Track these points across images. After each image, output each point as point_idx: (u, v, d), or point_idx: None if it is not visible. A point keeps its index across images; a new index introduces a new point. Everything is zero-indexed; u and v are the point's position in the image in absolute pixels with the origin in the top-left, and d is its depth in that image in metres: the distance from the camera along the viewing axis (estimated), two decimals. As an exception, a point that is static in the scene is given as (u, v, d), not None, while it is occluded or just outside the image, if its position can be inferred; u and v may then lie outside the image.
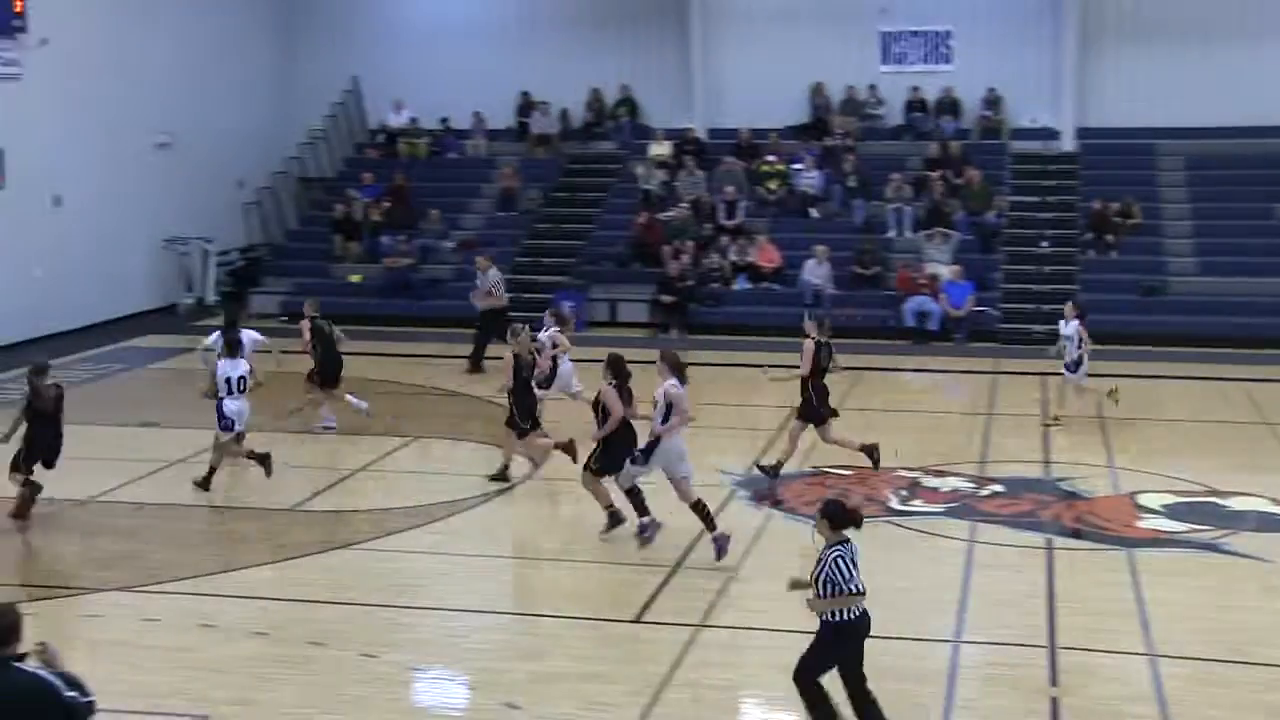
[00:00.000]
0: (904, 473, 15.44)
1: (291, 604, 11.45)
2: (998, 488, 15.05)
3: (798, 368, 14.92)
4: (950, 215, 26.00)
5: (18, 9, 22.63)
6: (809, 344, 14.86)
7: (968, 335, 23.87)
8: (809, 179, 27.36)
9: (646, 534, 12.66)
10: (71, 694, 6.38)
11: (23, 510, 13.47)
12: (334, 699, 9.64)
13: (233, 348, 15.06)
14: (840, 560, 8.71)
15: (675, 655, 10.38)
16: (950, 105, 28.58)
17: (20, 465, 13.53)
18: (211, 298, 27.00)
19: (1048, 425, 17.58)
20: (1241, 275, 24.45)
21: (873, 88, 29.01)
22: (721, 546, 12.35)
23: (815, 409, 14.95)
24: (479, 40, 30.23)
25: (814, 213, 27.15)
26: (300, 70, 30.92)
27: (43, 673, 6.73)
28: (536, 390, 15.49)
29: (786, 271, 25.38)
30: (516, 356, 14.90)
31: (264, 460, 14.72)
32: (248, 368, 14.94)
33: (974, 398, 20.74)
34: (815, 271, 24.73)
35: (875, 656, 9.10)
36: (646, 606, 11.42)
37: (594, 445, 12.95)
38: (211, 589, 11.79)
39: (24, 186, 22.62)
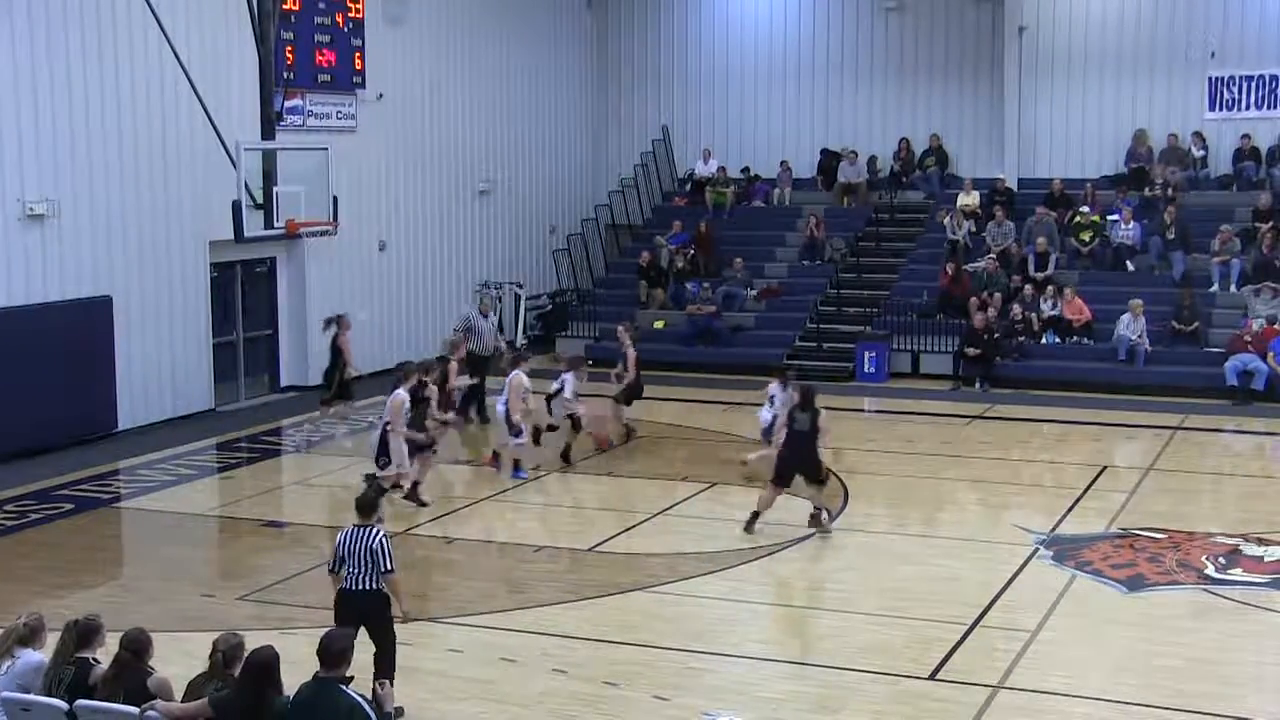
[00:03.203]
0: (1223, 539, 14.65)
1: (587, 643, 11.67)
2: (1329, 560, 14.10)
3: None
4: None
5: (358, 66, 24.06)
6: None
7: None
8: (1125, 231, 26.39)
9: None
10: None
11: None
12: (626, 738, 9.76)
13: None
14: None
15: (971, 716, 10.12)
16: (1282, 153, 27.13)
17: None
18: (520, 340, 27.94)
19: None
20: None
21: (1198, 135, 27.82)
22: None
23: None
24: (787, 89, 30.47)
25: (1130, 265, 26.16)
26: (613, 120, 31.85)
27: (362, 699, 7.31)
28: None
29: (1096, 325, 24.51)
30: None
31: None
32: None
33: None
34: (1130, 326, 23.80)
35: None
36: (943, 664, 11.18)
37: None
38: (512, 624, 12.14)
39: (353, 232, 23.94)
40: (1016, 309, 24.94)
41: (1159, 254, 25.99)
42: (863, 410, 23.06)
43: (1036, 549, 14.29)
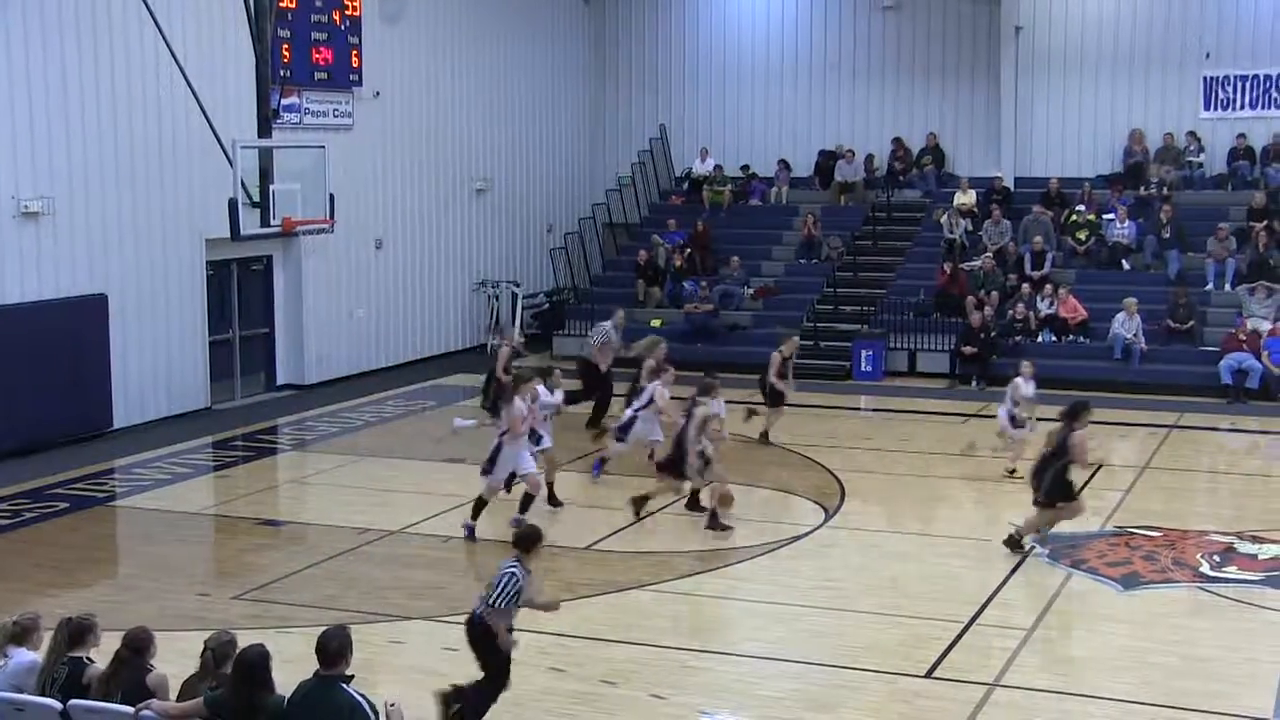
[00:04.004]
0: (1218, 537, 14.67)
1: (584, 641, 11.67)
2: (1321, 557, 14.12)
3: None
4: (1276, 268, 24.66)
5: (355, 64, 24.04)
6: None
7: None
8: (1121, 230, 26.42)
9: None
10: None
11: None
12: (622, 737, 9.77)
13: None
14: None
15: (967, 714, 10.13)
16: (1278, 152, 27.14)
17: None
18: (518, 339, 27.93)
19: None
20: None
21: (1192, 135, 27.85)
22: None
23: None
24: (784, 88, 30.49)
25: (1126, 264, 26.19)
26: (610, 118, 31.85)
27: (362, 699, 7.33)
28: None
29: (1092, 324, 24.53)
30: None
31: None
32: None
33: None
34: (1125, 324, 23.82)
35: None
36: (939, 662, 11.19)
37: None
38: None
39: (350, 231, 23.91)
40: (1020, 308, 24.94)
41: (1154, 253, 26.02)
42: (859, 409, 23.09)
43: (1032, 547, 14.29)
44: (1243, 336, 23.20)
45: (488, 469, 14.84)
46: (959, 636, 11.75)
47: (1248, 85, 27.77)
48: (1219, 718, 10.07)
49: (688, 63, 31.26)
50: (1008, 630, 11.93)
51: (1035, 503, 14.11)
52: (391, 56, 25.26)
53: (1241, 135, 27.45)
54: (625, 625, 12.16)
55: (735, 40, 30.85)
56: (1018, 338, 24.63)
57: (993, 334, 24.30)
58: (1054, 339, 24.67)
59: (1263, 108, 27.59)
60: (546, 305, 29.43)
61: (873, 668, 11.11)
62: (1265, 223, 25.35)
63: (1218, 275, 25.19)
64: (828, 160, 30.08)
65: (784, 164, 30.28)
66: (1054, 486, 13.92)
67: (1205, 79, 27.86)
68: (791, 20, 30.48)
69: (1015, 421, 17.52)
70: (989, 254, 26.25)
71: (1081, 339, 24.59)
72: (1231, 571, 13.59)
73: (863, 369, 25.01)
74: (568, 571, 13.74)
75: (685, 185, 31.04)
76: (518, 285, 28.55)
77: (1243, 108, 27.80)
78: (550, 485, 15.89)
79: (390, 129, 25.38)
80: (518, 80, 29.15)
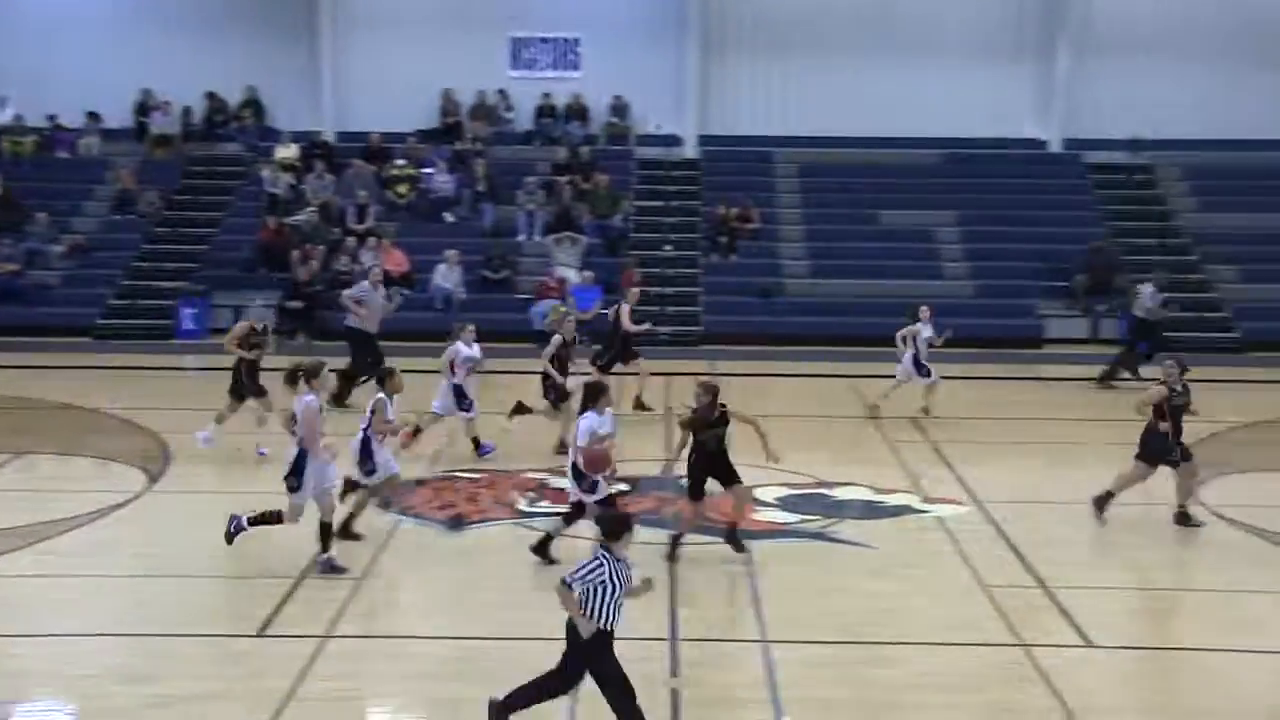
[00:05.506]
0: (531, 474, 15.59)
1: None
2: (623, 486, 15.37)
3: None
4: (578, 220, 26.48)
5: None
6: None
7: (595, 337, 24.22)
8: (440, 183, 27.31)
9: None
10: None
11: None
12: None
13: None
14: None
15: (300, 668, 10.14)
16: (579, 111, 29.10)
17: None
18: None
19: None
20: (848, 278, 25.85)
21: (503, 93, 29.23)
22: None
23: None
24: (95, 35, 28.87)
25: (447, 217, 27.13)
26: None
27: None
28: None
29: (417, 276, 25.25)
30: None
31: None
32: None
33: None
34: (446, 276, 24.69)
35: (498, 660, 9.12)
36: (270, 620, 11.12)
37: None
38: None
39: None
40: (345, 261, 25.11)
41: (471, 205, 27.13)
42: (183, 369, 22.42)
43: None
44: (553, 284, 24.74)
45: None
46: (290, 592, 11.73)
47: (550, 48, 29.50)
48: (531, 643, 10.71)
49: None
50: (338, 581, 12.05)
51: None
52: None
53: (546, 94, 29.15)
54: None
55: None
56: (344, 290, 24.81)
57: (318, 288, 24.37)
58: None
59: (563, 69, 29.44)
60: None
61: (203, 632, 10.86)
62: (569, 177, 27.14)
63: (529, 226, 26.68)
64: (141, 112, 28.82)
65: (94, 115, 28.65)
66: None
67: (512, 40, 29.30)
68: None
69: (921, 368, 18.62)
70: (313, 208, 26.28)
71: (405, 291, 25.18)
72: (545, 506, 14.49)
73: (185, 328, 24.30)
74: None
75: (-18, 135, 28.64)
76: None
77: (545, 69, 29.52)
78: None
79: None
80: None
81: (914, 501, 14.95)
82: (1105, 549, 13.60)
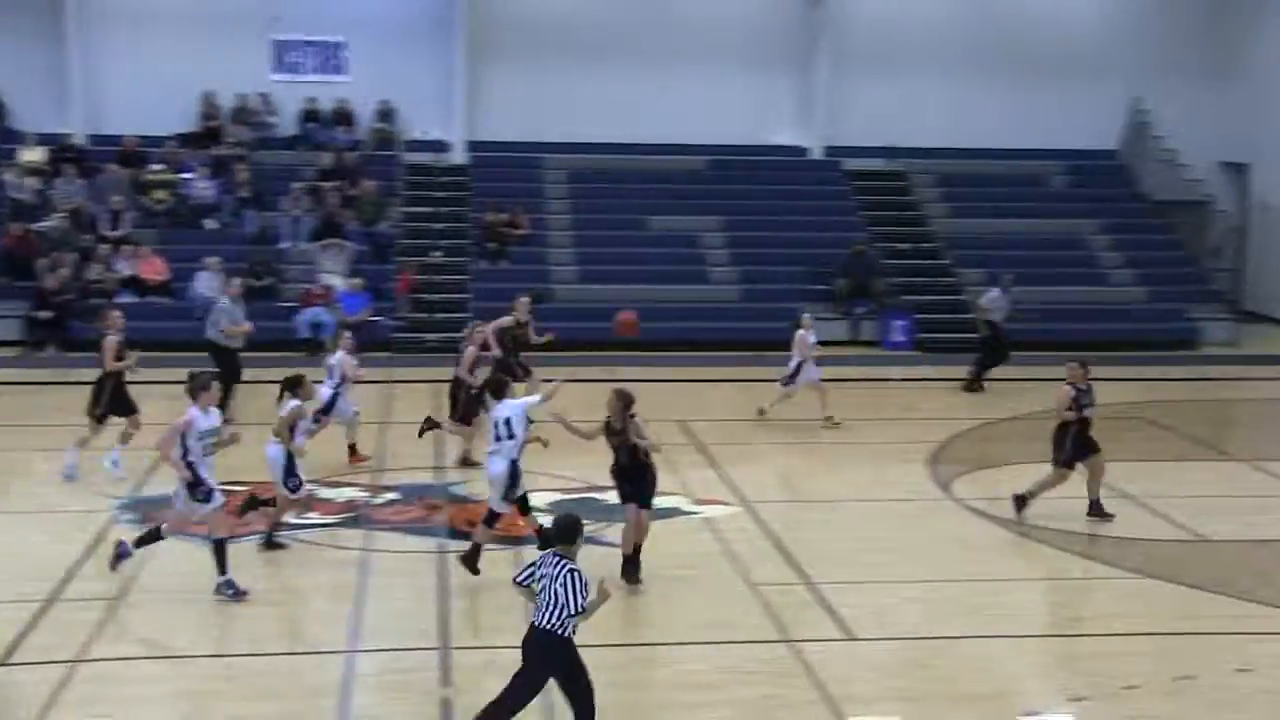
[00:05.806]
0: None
1: None
2: (393, 495, 15.19)
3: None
4: (344, 226, 26.05)
5: None
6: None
7: (362, 344, 23.82)
8: (200, 189, 26.52)
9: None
10: None
11: None
12: None
13: None
14: None
15: (46, 696, 9.69)
16: (344, 116, 28.60)
17: None
18: None
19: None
20: (617, 283, 25.96)
21: (265, 97, 28.54)
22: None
23: None
24: None
25: (207, 224, 26.35)
26: None
27: None
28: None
29: (175, 284, 24.46)
30: None
31: None
32: None
33: (368, 407, 20.69)
34: (208, 283, 23.96)
35: (264, 675, 8.89)
36: (15, 646, 10.59)
37: None
38: None
39: None
40: (99, 269, 24.15)
41: (233, 211, 26.42)
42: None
43: (117, 514, 13.97)
44: (319, 291, 24.27)
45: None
46: (38, 616, 11.21)
47: (314, 51, 28.93)
48: (299, 657, 10.46)
49: None
50: (91, 602, 11.56)
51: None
52: None
53: (311, 99, 28.56)
54: None
55: None
56: (96, 299, 23.89)
57: (69, 297, 23.40)
58: (136, 299, 24.25)
59: (328, 73, 28.89)
60: None
61: (-60, 661, 10.30)
62: (334, 183, 26.66)
63: (293, 233, 26.11)
64: None
65: None
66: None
67: (274, 43, 28.63)
68: None
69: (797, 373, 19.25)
70: (62, 214, 25.23)
71: (163, 299, 24.42)
72: (313, 517, 14.18)
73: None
74: None
75: None
76: None
77: (310, 72, 28.92)
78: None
79: None
80: None
81: (683, 503, 15.12)
82: (867, 544, 13.98)
